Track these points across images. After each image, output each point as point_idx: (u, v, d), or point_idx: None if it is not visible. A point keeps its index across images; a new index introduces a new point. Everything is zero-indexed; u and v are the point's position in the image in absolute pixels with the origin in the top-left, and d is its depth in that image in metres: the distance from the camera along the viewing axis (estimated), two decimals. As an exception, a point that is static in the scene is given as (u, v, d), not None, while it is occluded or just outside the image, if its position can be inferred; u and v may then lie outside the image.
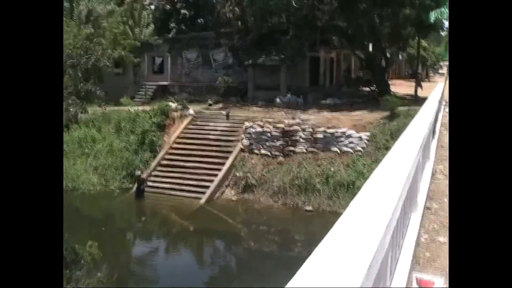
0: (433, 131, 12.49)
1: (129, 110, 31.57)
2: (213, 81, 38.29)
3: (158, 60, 42.12)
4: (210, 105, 34.17)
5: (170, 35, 44.20)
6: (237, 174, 26.18)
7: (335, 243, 2.09)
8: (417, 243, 6.11)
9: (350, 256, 1.96)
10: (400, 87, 41.83)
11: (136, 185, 25.94)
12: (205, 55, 39.51)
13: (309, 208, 23.59)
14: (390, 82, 43.84)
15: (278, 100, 34.41)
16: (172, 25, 47.15)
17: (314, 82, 37.47)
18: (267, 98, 35.16)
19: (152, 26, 45.60)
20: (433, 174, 10.77)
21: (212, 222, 23.90)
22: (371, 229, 2.27)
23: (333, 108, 31.72)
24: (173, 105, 31.37)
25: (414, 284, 4.60)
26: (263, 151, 26.74)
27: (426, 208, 8.39)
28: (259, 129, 27.29)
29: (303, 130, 26.66)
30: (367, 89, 37.91)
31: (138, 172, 26.36)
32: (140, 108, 32.43)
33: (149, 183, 26.75)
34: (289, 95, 34.96)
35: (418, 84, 34.95)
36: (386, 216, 2.49)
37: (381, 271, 2.38)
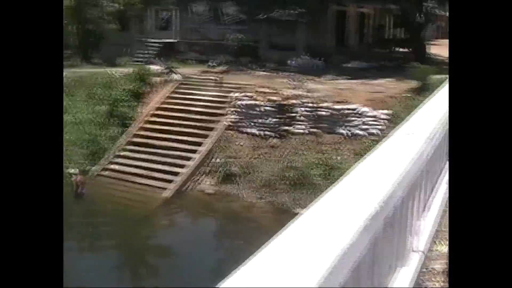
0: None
1: (107, 72, 24.98)
2: (224, 39, 31.08)
3: (165, 15, 35.07)
4: (212, 67, 27.28)
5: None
6: (218, 159, 19.45)
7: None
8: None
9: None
10: (446, 49, 33.46)
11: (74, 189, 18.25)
12: (216, 8, 32.29)
13: (299, 210, 16.59)
14: (435, 42, 36.05)
15: (290, 62, 27.13)
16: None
17: (341, 42, 29.91)
18: (282, 59, 27.89)
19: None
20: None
21: (157, 232, 17.33)
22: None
23: (356, 73, 24.32)
24: (156, 68, 24.62)
25: None
26: (252, 130, 19.84)
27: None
28: (248, 101, 20.31)
29: (304, 104, 19.54)
30: (403, 50, 30.16)
31: (71, 170, 18.82)
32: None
33: (112, 167, 20.42)
34: (305, 57, 27.58)
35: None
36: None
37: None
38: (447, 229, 5.55)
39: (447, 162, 6.60)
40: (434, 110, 5.58)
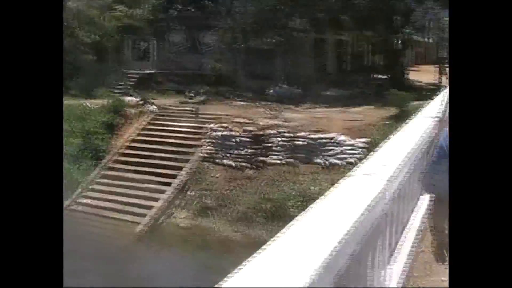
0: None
1: (82, 104, 24.45)
2: (202, 68, 30.68)
3: (141, 45, 34.69)
4: (189, 97, 26.76)
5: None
6: (193, 191, 18.90)
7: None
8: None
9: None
10: (425, 74, 33.55)
11: None
12: (193, 38, 31.99)
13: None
14: (413, 68, 36.08)
15: (269, 91, 26.78)
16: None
17: (319, 70, 29.66)
18: (260, 88, 27.50)
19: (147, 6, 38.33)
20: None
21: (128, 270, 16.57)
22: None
23: (334, 101, 24.05)
24: (131, 99, 24.15)
25: None
26: (228, 162, 19.34)
27: None
28: (224, 132, 19.86)
29: (280, 134, 19.12)
30: (382, 76, 30.05)
31: None
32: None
33: (85, 201, 19.78)
34: (282, 85, 27.26)
35: (440, 72, 26.81)
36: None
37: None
38: (419, 274, 5.07)
39: (423, 198, 6.17)
40: (403, 142, 5.15)
